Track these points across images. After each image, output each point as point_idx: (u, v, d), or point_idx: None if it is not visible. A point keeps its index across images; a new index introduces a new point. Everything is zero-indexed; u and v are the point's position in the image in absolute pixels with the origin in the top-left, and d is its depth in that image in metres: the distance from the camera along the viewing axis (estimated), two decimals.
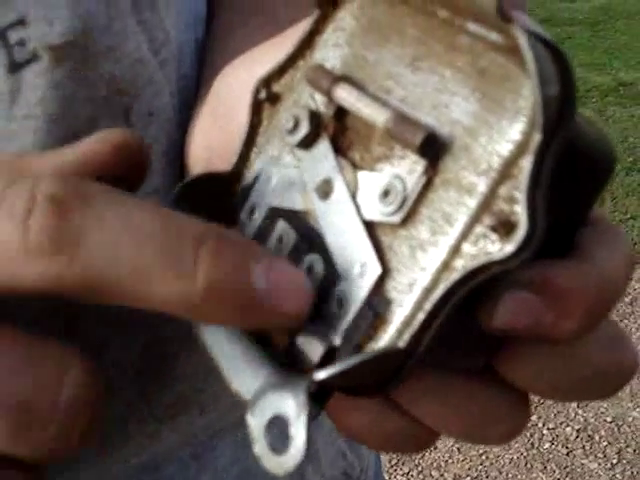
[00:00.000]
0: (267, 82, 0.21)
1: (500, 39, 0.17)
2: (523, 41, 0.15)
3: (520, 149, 0.16)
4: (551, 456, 1.71)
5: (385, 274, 0.18)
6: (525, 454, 1.72)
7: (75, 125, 0.27)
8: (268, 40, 0.26)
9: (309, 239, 0.19)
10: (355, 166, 0.19)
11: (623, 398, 1.84)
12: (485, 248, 0.16)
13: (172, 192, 0.21)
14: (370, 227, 0.18)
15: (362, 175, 0.19)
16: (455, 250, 0.17)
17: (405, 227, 0.18)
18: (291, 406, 0.16)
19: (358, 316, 0.18)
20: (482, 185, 0.17)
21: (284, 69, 0.21)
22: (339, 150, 0.19)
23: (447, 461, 1.71)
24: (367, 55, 0.19)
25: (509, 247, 0.16)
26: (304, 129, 0.20)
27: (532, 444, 1.74)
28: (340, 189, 0.19)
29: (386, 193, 0.18)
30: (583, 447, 1.73)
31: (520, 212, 0.16)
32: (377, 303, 0.18)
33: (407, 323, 0.17)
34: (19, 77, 0.25)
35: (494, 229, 0.16)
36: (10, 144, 0.26)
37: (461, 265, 0.17)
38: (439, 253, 0.17)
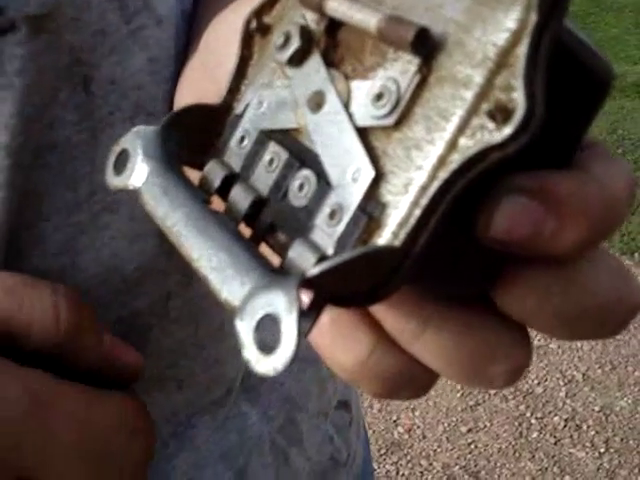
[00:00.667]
0: (258, 13, 0.21)
1: None
2: None
3: (516, 37, 0.16)
4: (539, 445, 1.72)
5: (379, 178, 0.17)
6: (513, 443, 1.72)
7: (42, 95, 0.27)
8: None
9: (301, 156, 0.19)
10: (347, 77, 0.19)
11: (611, 387, 1.85)
12: (482, 138, 0.16)
13: (161, 120, 0.21)
14: (363, 134, 0.18)
15: (355, 84, 0.18)
16: (452, 145, 0.16)
17: (399, 129, 0.17)
18: (282, 302, 0.15)
19: (351, 223, 0.17)
20: (478, 76, 0.16)
21: (275, 0, 0.21)
22: (331, 64, 0.19)
23: (436, 450, 1.72)
24: None
25: (507, 129, 0.15)
26: (295, 43, 0.19)
27: (520, 433, 1.74)
28: (332, 99, 0.19)
29: (379, 96, 0.18)
30: (571, 436, 1.74)
31: (517, 96, 0.15)
32: (371, 208, 0.17)
33: (403, 224, 0.17)
34: None
35: (492, 116, 0.16)
36: None
37: (457, 158, 0.16)
38: (435, 150, 0.17)
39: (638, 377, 1.88)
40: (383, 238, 0.17)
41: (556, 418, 1.77)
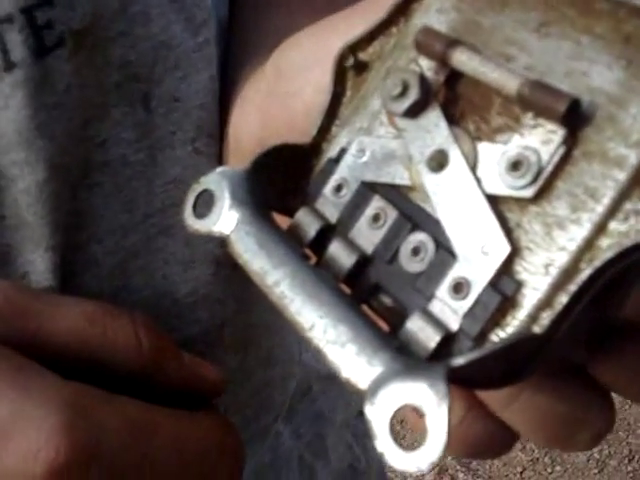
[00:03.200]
0: (353, 49, 0.20)
1: None
2: None
3: None
4: None
5: (514, 254, 0.16)
6: None
7: (91, 112, 0.26)
8: (318, 18, 0.25)
9: (413, 217, 0.18)
10: (472, 137, 0.17)
11: None
12: (637, 225, 0.15)
13: (249, 162, 0.19)
14: (494, 202, 0.17)
15: (482, 146, 0.17)
16: (600, 228, 0.15)
17: (537, 203, 0.16)
18: (428, 396, 0.14)
19: (481, 300, 0.16)
20: (633, 157, 0.15)
21: (374, 36, 0.20)
22: (451, 120, 0.18)
23: None
24: (481, 20, 0.18)
25: None
26: (414, 94, 0.18)
27: None
28: (457, 160, 0.17)
29: (515, 165, 0.16)
30: None
31: None
32: (504, 285, 0.16)
33: (542, 307, 0.16)
34: (45, 63, 0.24)
35: None
36: (41, 137, 0.25)
37: (607, 244, 0.15)
38: (581, 231, 0.16)
39: None
40: (518, 319, 0.16)
41: None
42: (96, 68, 0.25)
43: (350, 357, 0.16)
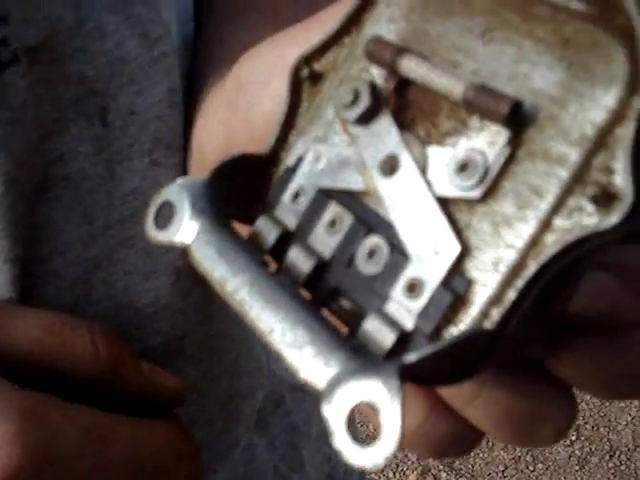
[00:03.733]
0: (308, 60, 0.20)
1: (583, 6, 0.16)
2: (633, 10, 0.15)
3: (616, 117, 0.15)
4: None
5: (464, 253, 0.17)
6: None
7: (48, 127, 0.26)
8: (276, 31, 0.25)
9: (367, 221, 0.18)
10: (421, 141, 0.18)
11: None
12: (581, 221, 0.15)
13: (209, 172, 0.20)
14: (444, 204, 0.17)
15: (431, 150, 0.18)
16: (546, 224, 0.16)
17: (485, 203, 0.17)
18: (382, 392, 0.14)
19: (434, 298, 0.17)
20: (575, 155, 0.16)
21: (327, 47, 0.20)
22: (401, 126, 0.18)
23: None
24: (428, 28, 0.18)
25: (613, 218, 0.15)
26: (365, 102, 0.18)
27: None
28: (407, 165, 0.18)
29: (463, 167, 0.17)
30: None
31: (621, 182, 0.15)
32: (456, 284, 0.17)
33: (493, 303, 0.16)
34: (0, 79, 0.24)
35: (594, 200, 0.15)
36: None
37: (553, 240, 0.16)
38: (528, 228, 0.16)
39: None
40: (470, 316, 0.16)
41: None
42: (53, 83, 0.25)
43: (307, 359, 0.16)
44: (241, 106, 0.25)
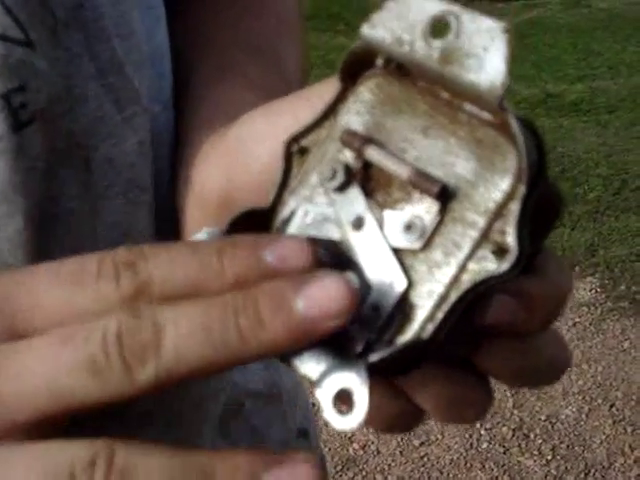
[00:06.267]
0: (297, 138, 0.27)
1: (490, 117, 0.23)
2: (514, 125, 0.22)
3: (508, 196, 0.22)
4: (489, 455, 1.76)
5: (409, 286, 0.23)
6: (464, 454, 1.77)
7: (43, 174, 0.31)
8: (246, 95, 0.34)
9: (342, 262, 0.24)
10: (380, 206, 0.25)
11: (556, 397, 1.90)
12: (485, 266, 0.22)
13: (227, 222, 0.26)
14: (395, 252, 0.24)
15: (386, 213, 0.24)
16: (462, 268, 0.23)
17: (423, 252, 0.23)
18: (355, 380, 0.21)
19: (389, 317, 0.23)
20: (481, 222, 0.23)
21: (311, 129, 0.27)
22: (366, 193, 0.25)
23: (390, 464, 1.75)
24: (385, 122, 0.25)
25: (504, 265, 0.22)
26: (340, 178, 0.25)
27: (471, 444, 1.79)
28: (370, 223, 0.24)
29: (409, 227, 0.24)
30: (519, 445, 1.79)
31: (511, 241, 0.22)
32: (403, 307, 0.23)
33: (427, 321, 0.23)
34: (23, 135, 0.30)
35: (492, 252, 0.22)
36: (17, 195, 0.30)
37: (467, 279, 0.22)
38: (450, 270, 0.23)
39: (581, 386, 1.94)
40: (412, 330, 0.23)
41: (504, 428, 1.82)
42: (50, 137, 0.31)
43: (305, 359, 0.22)
44: (241, 158, 0.31)
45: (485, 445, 1.79)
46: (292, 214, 0.26)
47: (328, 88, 0.27)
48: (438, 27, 0.23)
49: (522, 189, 0.22)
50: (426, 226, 0.23)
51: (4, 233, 0.31)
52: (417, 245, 0.23)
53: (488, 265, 0.22)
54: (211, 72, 0.38)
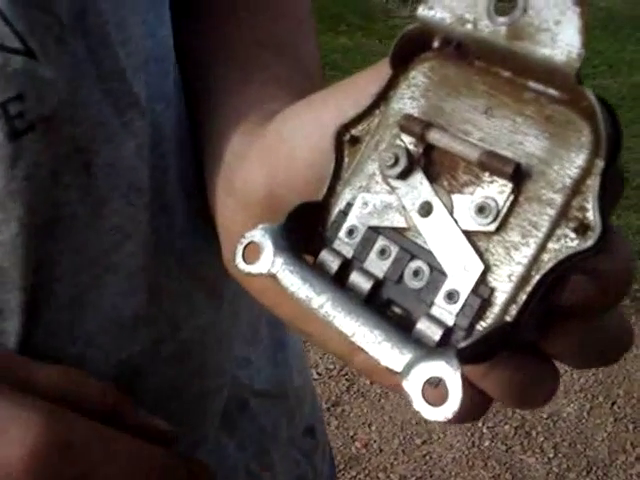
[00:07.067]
0: (347, 127, 0.26)
1: (558, 94, 0.22)
2: (593, 99, 0.21)
3: (586, 172, 0.22)
4: (491, 453, 1.76)
5: (486, 269, 0.23)
6: (466, 452, 1.77)
7: (45, 179, 0.32)
8: (290, 94, 0.33)
9: (410, 249, 0.24)
10: (447, 190, 0.24)
11: (557, 395, 1.90)
12: (566, 244, 0.22)
13: (284, 217, 0.26)
14: (468, 235, 0.23)
15: (455, 197, 0.24)
16: (542, 247, 0.22)
17: (499, 234, 0.23)
18: (446, 369, 0.20)
19: (467, 303, 0.23)
20: (558, 199, 0.22)
21: (362, 117, 0.26)
22: (430, 179, 0.24)
23: (392, 463, 1.75)
24: (443, 105, 0.24)
25: (589, 242, 0.21)
26: (402, 164, 0.24)
27: (473, 443, 1.79)
28: (439, 208, 0.24)
29: (481, 209, 0.23)
30: (521, 443, 1.79)
31: (593, 216, 0.21)
32: (481, 291, 0.22)
33: (509, 303, 0.22)
34: (20, 143, 0.30)
35: (574, 230, 0.22)
36: (12, 202, 0.31)
37: (549, 258, 0.22)
38: (530, 250, 0.22)
39: (583, 384, 1.94)
40: (494, 313, 0.22)
41: (507, 426, 1.82)
42: (54, 144, 0.31)
43: (386, 351, 0.22)
44: (283, 155, 0.30)
45: (487, 443, 1.79)
46: (349, 205, 0.26)
47: (371, 77, 0.27)
48: (501, 4, 0.23)
49: (600, 164, 0.21)
50: (500, 207, 0.23)
51: (0, 238, 0.31)
52: (491, 227, 0.23)
53: (570, 243, 0.22)
54: (237, 71, 0.38)
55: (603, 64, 4.03)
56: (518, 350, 0.24)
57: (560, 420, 1.85)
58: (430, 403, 0.20)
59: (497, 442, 1.79)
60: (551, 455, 1.76)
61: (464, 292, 0.23)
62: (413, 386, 0.21)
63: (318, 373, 1.96)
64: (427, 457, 1.76)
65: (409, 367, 0.21)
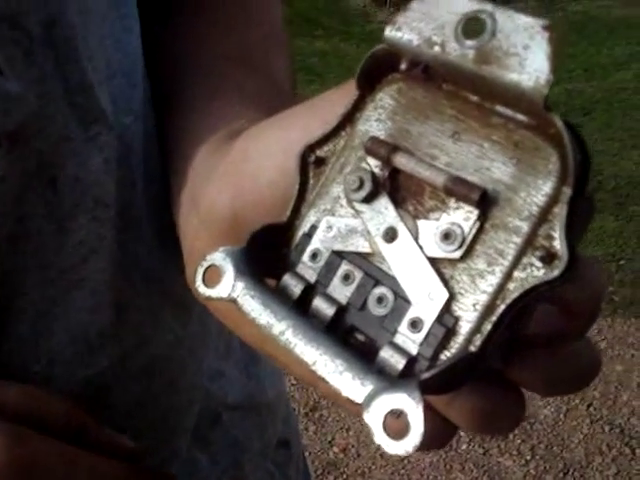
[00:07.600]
0: (312, 148, 0.26)
1: (527, 119, 0.22)
2: (561, 125, 0.21)
3: (553, 200, 0.21)
4: (469, 456, 1.77)
5: (450, 298, 0.22)
6: (444, 456, 1.77)
7: (12, 195, 0.31)
8: (249, 111, 0.33)
9: (374, 275, 0.24)
10: (412, 215, 0.23)
11: (534, 397, 1.91)
12: (532, 273, 0.21)
13: (246, 241, 0.25)
14: (433, 262, 0.23)
15: (421, 223, 0.23)
16: (508, 276, 0.21)
17: (464, 261, 0.22)
18: (407, 401, 0.20)
19: (431, 332, 0.22)
20: (525, 227, 0.21)
21: (328, 138, 0.26)
22: (395, 204, 0.24)
23: (370, 467, 1.76)
24: (410, 129, 0.24)
25: (556, 271, 0.21)
26: (367, 188, 0.24)
27: (450, 446, 1.79)
28: (404, 234, 0.23)
29: (446, 236, 0.22)
30: (498, 446, 1.80)
31: (559, 246, 0.21)
32: (447, 320, 0.22)
33: (474, 333, 0.21)
34: None
35: (540, 258, 0.21)
36: None
37: (513, 287, 0.21)
38: (496, 279, 0.22)
39: None
40: (458, 343, 0.22)
41: None
42: (19, 159, 0.31)
43: (347, 381, 0.21)
44: (248, 174, 0.29)
45: (464, 446, 1.80)
46: (314, 227, 0.25)
47: (340, 97, 0.26)
48: (469, 27, 0.22)
49: (568, 192, 0.21)
50: (465, 234, 0.22)
51: None
52: (457, 254, 0.22)
53: (536, 272, 0.21)
54: (204, 86, 0.37)
55: (578, 68, 4.07)
56: (483, 378, 0.24)
57: (537, 422, 1.86)
58: (392, 435, 0.20)
59: (474, 445, 1.80)
60: (528, 457, 1.78)
61: (428, 321, 0.22)
62: (374, 419, 0.20)
63: (296, 378, 1.95)
64: (405, 461, 1.77)
65: (370, 399, 0.20)
